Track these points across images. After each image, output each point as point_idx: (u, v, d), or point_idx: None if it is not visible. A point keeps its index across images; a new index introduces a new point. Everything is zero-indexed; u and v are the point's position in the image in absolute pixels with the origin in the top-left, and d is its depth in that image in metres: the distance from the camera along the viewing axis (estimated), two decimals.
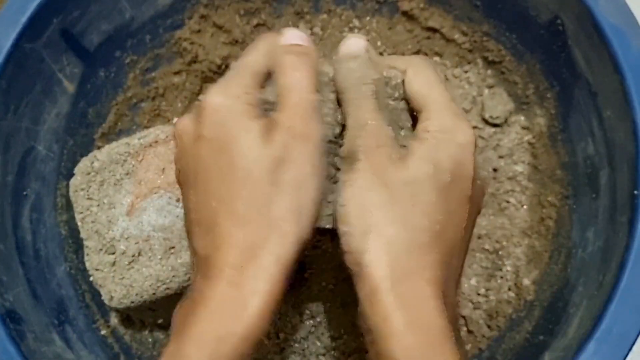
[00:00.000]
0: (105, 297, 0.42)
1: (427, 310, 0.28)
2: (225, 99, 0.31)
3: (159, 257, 0.42)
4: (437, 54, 0.52)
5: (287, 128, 0.30)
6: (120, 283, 0.42)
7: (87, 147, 0.49)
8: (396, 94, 0.33)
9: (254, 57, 0.33)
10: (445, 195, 0.30)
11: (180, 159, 0.33)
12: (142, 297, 0.42)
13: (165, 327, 0.47)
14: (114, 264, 0.42)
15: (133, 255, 0.42)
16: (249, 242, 0.29)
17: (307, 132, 0.30)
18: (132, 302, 0.42)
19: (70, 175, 0.47)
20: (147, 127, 0.52)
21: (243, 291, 0.28)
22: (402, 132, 0.33)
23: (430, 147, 0.31)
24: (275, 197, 0.29)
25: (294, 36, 0.34)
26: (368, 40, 0.35)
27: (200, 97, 0.34)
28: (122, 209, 0.44)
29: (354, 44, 0.34)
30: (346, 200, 0.30)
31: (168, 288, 0.41)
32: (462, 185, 0.31)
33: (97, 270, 0.43)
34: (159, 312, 0.45)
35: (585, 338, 0.34)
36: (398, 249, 0.29)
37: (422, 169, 0.30)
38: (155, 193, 0.44)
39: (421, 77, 0.33)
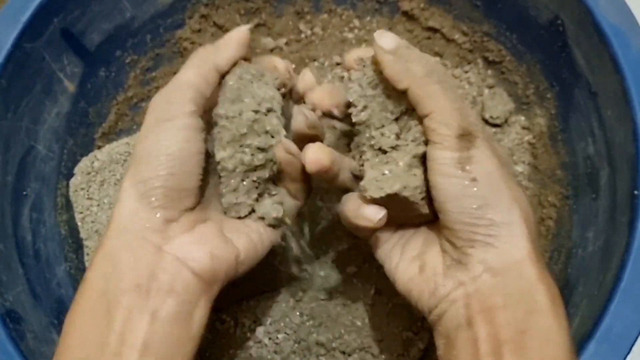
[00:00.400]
0: None
1: (554, 284, 0.31)
2: None
3: None
4: (437, 54, 0.52)
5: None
6: None
7: (87, 147, 0.49)
8: None
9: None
10: None
11: None
12: None
13: None
14: None
15: None
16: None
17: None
18: None
19: (70, 175, 0.47)
20: None
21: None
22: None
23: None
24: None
25: None
26: None
27: None
28: None
29: (391, 36, 0.33)
30: (479, 175, 0.31)
31: None
32: None
33: None
34: None
35: (586, 338, 0.34)
36: (532, 224, 0.31)
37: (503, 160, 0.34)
38: None
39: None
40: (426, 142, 0.33)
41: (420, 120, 0.33)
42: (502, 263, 0.30)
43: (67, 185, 0.47)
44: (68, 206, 0.47)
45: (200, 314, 0.32)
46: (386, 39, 0.33)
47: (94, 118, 0.49)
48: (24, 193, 0.43)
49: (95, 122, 0.50)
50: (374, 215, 0.34)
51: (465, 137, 0.31)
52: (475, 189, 0.31)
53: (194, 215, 0.33)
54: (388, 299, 0.46)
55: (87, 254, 0.45)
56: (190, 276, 0.32)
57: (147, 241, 0.31)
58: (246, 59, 0.36)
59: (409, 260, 0.35)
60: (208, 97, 0.34)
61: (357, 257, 0.47)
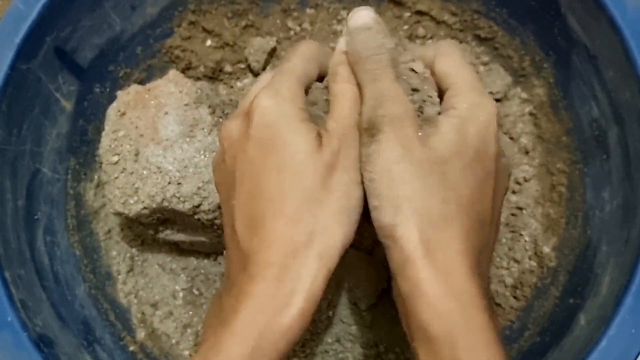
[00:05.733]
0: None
1: (459, 279, 0.28)
2: (276, 102, 0.31)
3: None
4: (428, 37, 0.53)
5: (339, 135, 0.31)
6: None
7: (89, 166, 0.48)
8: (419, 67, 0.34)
9: (300, 63, 0.34)
10: (470, 171, 0.31)
11: (225, 160, 0.33)
12: None
13: None
14: None
15: None
16: (296, 242, 0.29)
17: (355, 141, 0.32)
18: None
19: (77, 195, 0.47)
20: None
21: (285, 289, 0.29)
22: (426, 104, 0.33)
23: (456, 125, 0.31)
24: (325, 200, 0.30)
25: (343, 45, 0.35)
26: None
27: (241, 103, 0.35)
28: None
29: (364, 15, 0.34)
30: (376, 174, 0.30)
31: None
32: (486, 161, 0.32)
33: None
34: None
35: (622, 293, 0.34)
36: (428, 220, 0.29)
37: (448, 147, 0.31)
38: None
39: (449, 58, 0.34)
40: None
41: None
42: (395, 267, 0.29)
43: (75, 206, 0.46)
44: (79, 227, 0.46)
45: None
46: (354, 17, 0.34)
47: (94, 135, 0.49)
48: (36, 217, 0.42)
49: (95, 139, 0.49)
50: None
51: (371, 130, 0.31)
52: (373, 190, 0.30)
53: None
54: (390, 304, 0.45)
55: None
56: None
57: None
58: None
59: None
60: None
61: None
